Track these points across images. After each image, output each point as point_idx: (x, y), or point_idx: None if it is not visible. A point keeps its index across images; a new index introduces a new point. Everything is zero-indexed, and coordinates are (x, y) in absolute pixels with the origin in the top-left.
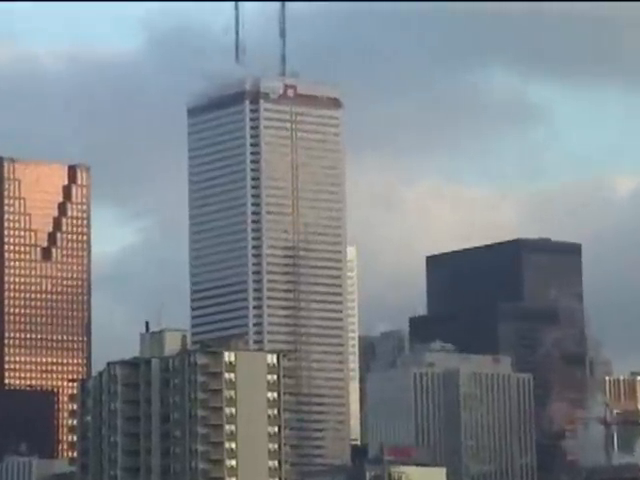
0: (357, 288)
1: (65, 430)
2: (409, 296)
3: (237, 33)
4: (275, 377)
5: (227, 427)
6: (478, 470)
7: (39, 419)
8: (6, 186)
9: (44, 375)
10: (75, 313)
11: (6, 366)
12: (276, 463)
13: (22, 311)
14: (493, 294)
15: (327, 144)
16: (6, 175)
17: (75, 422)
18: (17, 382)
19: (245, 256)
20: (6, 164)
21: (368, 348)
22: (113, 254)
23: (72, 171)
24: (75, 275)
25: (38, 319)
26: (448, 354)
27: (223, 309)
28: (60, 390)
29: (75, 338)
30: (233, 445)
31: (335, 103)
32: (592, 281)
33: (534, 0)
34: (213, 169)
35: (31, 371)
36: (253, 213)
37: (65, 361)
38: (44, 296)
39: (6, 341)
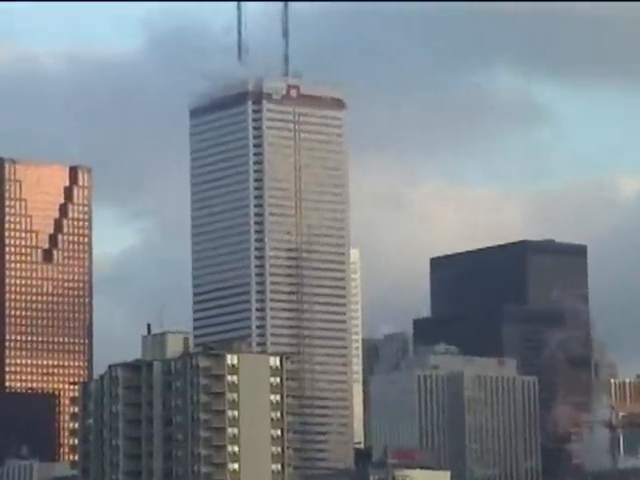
0: (360, 290)
1: (66, 433)
2: (413, 298)
3: (240, 33)
4: (278, 380)
5: (230, 430)
6: (483, 473)
7: (40, 422)
8: (7, 187)
9: (45, 378)
10: (76, 315)
11: (7, 369)
12: (279, 466)
13: (23, 313)
14: (498, 296)
15: (330, 145)
16: (7, 176)
17: (76, 425)
18: (18, 385)
19: (248, 258)
20: (7, 165)
21: (372, 350)
22: (114, 255)
23: (73, 172)
24: (76, 277)
25: (39, 321)
26: (452, 356)
27: (225, 311)
28: (61, 393)
29: (76, 340)
30: (236, 448)
31: (338, 104)
32: (597, 283)
33: (536, 0)
34: (215, 170)
35: (32, 374)
36: (256, 214)
37: (66, 364)
38: (45, 298)
39: (7, 343)
